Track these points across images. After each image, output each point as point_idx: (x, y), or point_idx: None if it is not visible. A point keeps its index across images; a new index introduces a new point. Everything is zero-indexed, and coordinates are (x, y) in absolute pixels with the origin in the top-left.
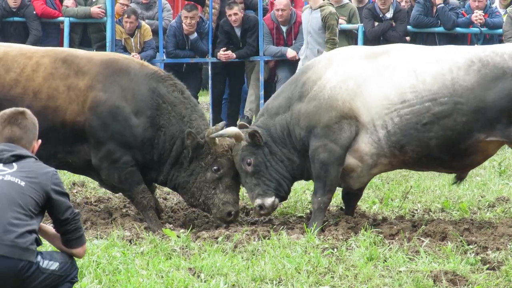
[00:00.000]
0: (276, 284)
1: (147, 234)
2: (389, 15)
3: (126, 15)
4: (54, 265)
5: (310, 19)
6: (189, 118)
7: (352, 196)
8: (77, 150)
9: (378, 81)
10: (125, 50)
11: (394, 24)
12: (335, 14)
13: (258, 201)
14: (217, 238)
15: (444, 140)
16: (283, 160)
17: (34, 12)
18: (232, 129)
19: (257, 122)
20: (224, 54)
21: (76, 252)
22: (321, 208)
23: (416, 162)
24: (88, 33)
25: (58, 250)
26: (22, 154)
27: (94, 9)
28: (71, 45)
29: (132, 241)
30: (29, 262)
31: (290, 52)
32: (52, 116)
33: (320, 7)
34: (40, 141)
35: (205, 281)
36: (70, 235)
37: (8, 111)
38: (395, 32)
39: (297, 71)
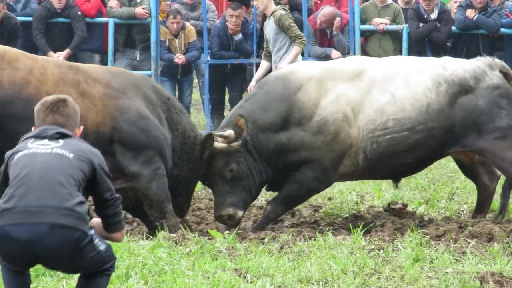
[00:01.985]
0: (322, 285)
1: (193, 235)
2: (433, 16)
3: (171, 16)
4: (102, 246)
5: (268, 29)
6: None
7: None
8: None
9: (366, 105)
10: (169, 51)
11: (438, 25)
12: (286, 14)
13: (229, 210)
14: (263, 239)
15: (415, 164)
16: (261, 175)
17: (79, 13)
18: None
19: (247, 130)
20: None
21: (115, 236)
22: (271, 218)
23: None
24: (133, 34)
25: None
26: (67, 133)
27: (139, 10)
28: (115, 46)
29: (178, 242)
30: (84, 232)
31: (334, 53)
32: None
33: (272, 13)
34: (82, 127)
35: (251, 282)
36: (109, 220)
37: (49, 98)
38: (440, 33)
39: (272, 79)
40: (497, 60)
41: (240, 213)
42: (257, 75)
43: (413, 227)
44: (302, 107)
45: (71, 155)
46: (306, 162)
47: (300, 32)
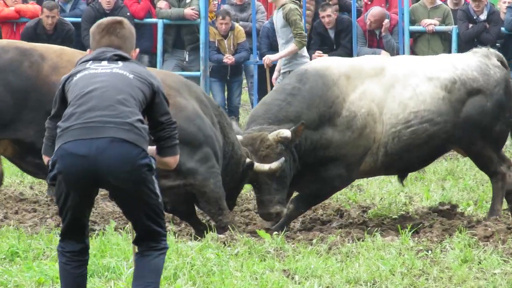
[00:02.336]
0: (370, 286)
1: (242, 236)
2: (483, 17)
3: (220, 17)
4: (158, 189)
5: (276, 20)
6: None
7: None
8: None
9: (389, 100)
10: (218, 51)
11: (488, 26)
12: (296, 10)
13: (277, 208)
14: (311, 240)
15: (428, 157)
16: (294, 172)
17: (128, 14)
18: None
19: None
20: (318, 55)
21: (167, 160)
22: (294, 216)
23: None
24: (182, 34)
25: None
26: (125, 56)
27: (188, 11)
28: (164, 46)
29: (226, 242)
30: (144, 151)
31: (383, 54)
32: None
33: (282, 5)
34: (138, 50)
35: (299, 283)
36: (163, 142)
37: (105, 20)
38: (489, 34)
39: (313, 74)
40: (491, 49)
41: (285, 210)
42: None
43: (462, 228)
44: (335, 102)
45: (131, 76)
46: (333, 159)
47: (303, 32)
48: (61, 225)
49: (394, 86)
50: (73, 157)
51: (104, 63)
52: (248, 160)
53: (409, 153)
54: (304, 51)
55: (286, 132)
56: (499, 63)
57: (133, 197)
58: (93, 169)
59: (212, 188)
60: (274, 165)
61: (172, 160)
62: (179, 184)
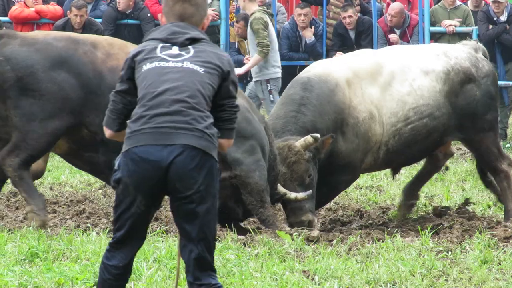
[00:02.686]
0: (390, 287)
1: (261, 237)
2: (503, 18)
3: (236, 20)
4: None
5: (248, 28)
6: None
7: None
8: None
9: (387, 99)
10: (239, 52)
11: (508, 27)
12: (260, 19)
13: (309, 216)
14: (331, 240)
15: (426, 151)
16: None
17: (149, 15)
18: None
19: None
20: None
21: (221, 142)
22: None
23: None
24: None
25: None
26: (196, 37)
27: (209, 12)
28: None
29: (246, 243)
30: (214, 158)
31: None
32: None
33: (252, 14)
34: (210, 17)
35: (319, 284)
36: (221, 124)
37: None
38: (509, 35)
39: (316, 81)
40: (479, 44)
41: (315, 219)
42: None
43: (481, 229)
44: (342, 108)
45: (201, 70)
46: (340, 166)
47: (265, 41)
48: (113, 234)
49: (391, 84)
50: (144, 162)
51: (175, 50)
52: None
53: (410, 148)
54: (275, 59)
55: (312, 137)
56: (485, 58)
57: (195, 207)
58: (162, 174)
59: (256, 179)
60: (301, 195)
61: (226, 143)
62: (225, 176)
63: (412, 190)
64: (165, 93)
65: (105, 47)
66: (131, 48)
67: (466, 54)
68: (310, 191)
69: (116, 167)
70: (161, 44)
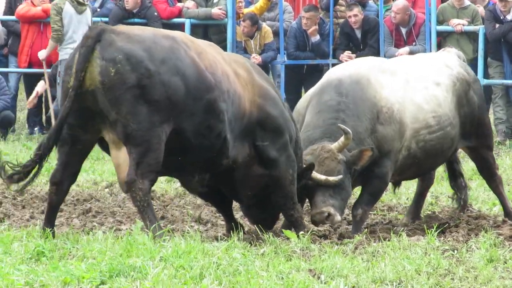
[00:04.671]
0: (396, 285)
1: (268, 236)
2: (509, 17)
3: (243, 19)
4: None
5: None
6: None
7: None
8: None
9: (407, 102)
10: (245, 51)
11: None
12: (54, 5)
13: (331, 209)
14: (338, 239)
15: (439, 164)
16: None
17: (156, 14)
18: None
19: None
20: (347, 55)
21: None
22: (363, 220)
23: None
24: (209, 34)
25: None
26: None
27: (215, 11)
28: None
29: (252, 242)
30: None
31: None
32: (238, 101)
33: None
34: None
35: (325, 283)
36: None
37: None
38: None
39: (348, 82)
40: (459, 51)
41: (338, 217)
42: None
43: (487, 228)
44: (375, 102)
45: None
46: (383, 155)
47: (54, 26)
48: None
49: (407, 90)
50: None
51: None
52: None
53: (431, 158)
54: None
55: (346, 137)
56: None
57: None
58: None
59: (290, 179)
60: (332, 178)
61: None
62: (261, 173)
63: (416, 210)
64: None
65: (191, 45)
66: (210, 45)
67: (458, 62)
68: (340, 176)
69: None
70: None
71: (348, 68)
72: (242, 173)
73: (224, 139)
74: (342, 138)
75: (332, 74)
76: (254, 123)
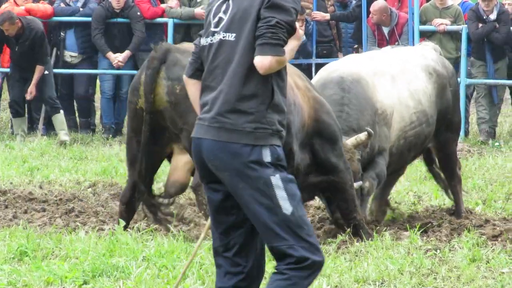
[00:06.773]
0: (378, 285)
1: None
2: (492, 16)
3: None
4: None
5: None
6: None
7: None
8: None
9: (396, 101)
10: None
11: (497, 25)
12: None
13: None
14: (318, 237)
15: (413, 158)
16: None
17: (139, 13)
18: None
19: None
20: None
21: (256, 60)
22: (370, 194)
23: None
24: (191, 33)
25: None
26: None
27: (198, 11)
28: None
29: None
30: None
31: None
32: (301, 112)
33: None
34: None
35: None
36: (258, 40)
37: None
38: (499, 34)
39: (337, 82)
40: (436, 45)
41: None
42: None
43: (470, 228)
44: (373, 102)
45: None
46: (379, 154)
47: None
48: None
49: (395, 87)
50: None
51: None
52: None
53: (409, 152)
54: None
55: (367, 132)
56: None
57: None
58: None
59: (350, 184)
60: (355, 185)
61: (261, 61)
62: (321, 180)
63: (382, 196)
64: None
65: None
66: None
67: (435, 55)
68: (360, 182)
69: None
70: None
71: (345, 66)
72: (301, 181)
73: (290, 150)
74: (362, 135)
75: (331, 71)
76: (312, 132)
